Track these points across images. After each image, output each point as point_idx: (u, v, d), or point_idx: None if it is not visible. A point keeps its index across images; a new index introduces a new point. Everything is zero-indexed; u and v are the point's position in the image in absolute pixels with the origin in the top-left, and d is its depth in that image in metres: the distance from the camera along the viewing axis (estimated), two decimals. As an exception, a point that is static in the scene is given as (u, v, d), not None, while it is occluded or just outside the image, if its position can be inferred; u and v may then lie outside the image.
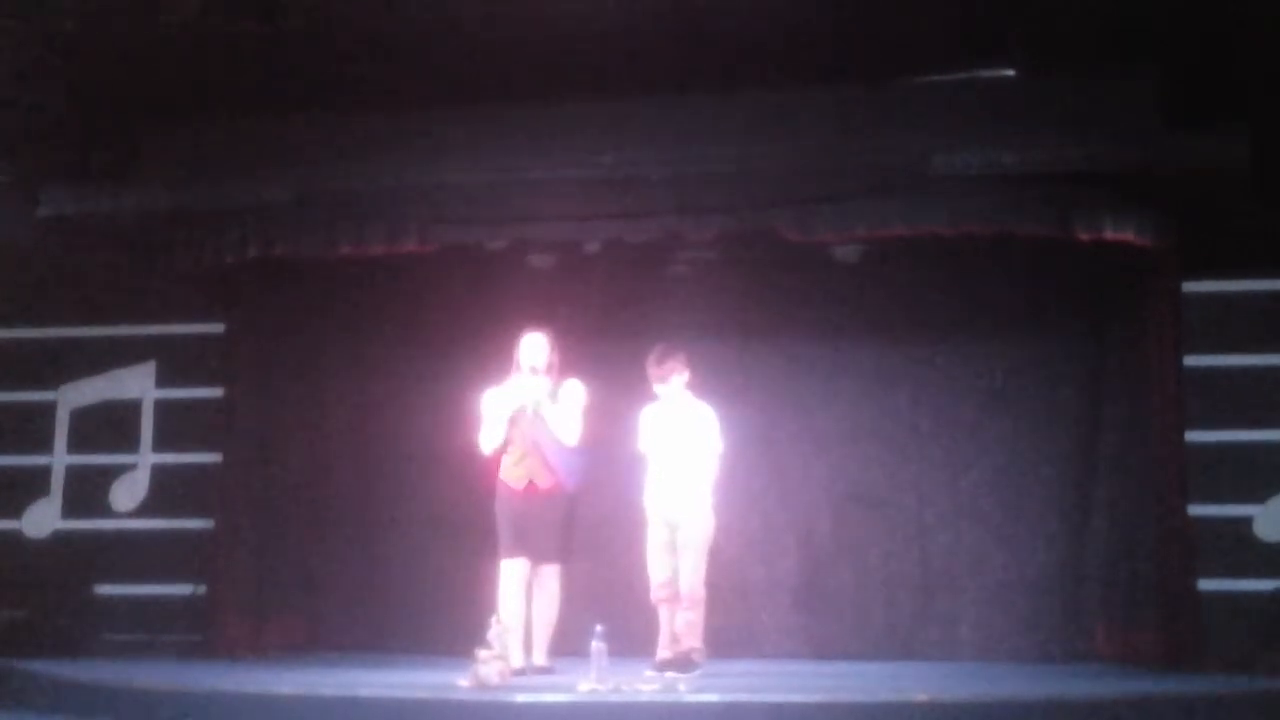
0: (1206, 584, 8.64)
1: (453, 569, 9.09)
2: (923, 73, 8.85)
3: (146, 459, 10.28)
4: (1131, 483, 8.78)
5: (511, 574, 7.71)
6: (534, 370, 7.82)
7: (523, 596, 7.72)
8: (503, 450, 7.82)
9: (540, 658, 7.75)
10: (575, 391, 7.87)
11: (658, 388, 7.96)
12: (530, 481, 7.78)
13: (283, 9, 8.04)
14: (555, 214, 8.71)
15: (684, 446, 7.85)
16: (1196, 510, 8.68)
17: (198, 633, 9.46)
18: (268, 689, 6.85)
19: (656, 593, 7.82)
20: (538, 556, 7.75)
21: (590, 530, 8.84)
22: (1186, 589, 8.48)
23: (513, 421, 7.79)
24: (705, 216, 8.64)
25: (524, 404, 7.76)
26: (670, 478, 7.83)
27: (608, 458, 8.47)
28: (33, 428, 10.37)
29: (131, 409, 10.36)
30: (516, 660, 7.44)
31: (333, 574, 9.87)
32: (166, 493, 10.16)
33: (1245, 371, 9.19)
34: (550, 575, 7.79)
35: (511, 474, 7.80)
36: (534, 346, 7.86)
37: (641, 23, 8.25)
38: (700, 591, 7.72)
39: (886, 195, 8.44)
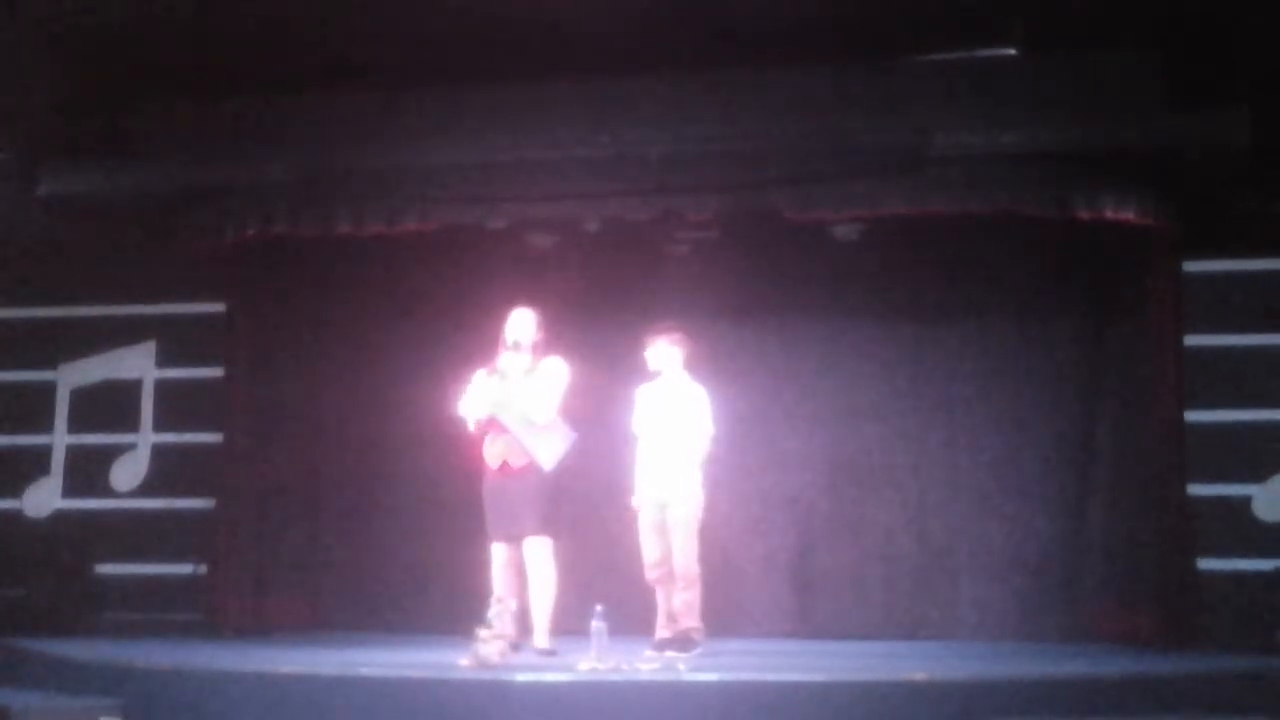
0: (1205, 563, 8.67)
1: (453, 549, 9.08)
2: (924, 51, 8.84)
3: (147, 438, 10.28)
4: (1131, 462, 8.78)
5: (495, 556, 7.74)
6: (517, 345, 7.77)
7: (509, 577, 7.70)
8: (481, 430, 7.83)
9: (542, 640, 7.65)
10: (555, 369, 7.80)
11: (653, 365, 7.96)
12: (504, 461, 7.74)
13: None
14: (554, 193, 8.71)
15: (675, 426, 7.84)
16: (1196, 490, 8.71)
17: (198, 612, 9.48)
18: (268, 668, 6.85)
19: (649, 573, 7.85)
20: (515, 535, 7.70)
21: (589, 509, 8.87)
22: (1185, 569, 8.50)
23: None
24: (704, 195, 8.63)
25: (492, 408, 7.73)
26: (660, 457, 7.83)
27: (608, 437, 8.50)
28: (33, 407, 10.36)
29: (132, 388, 10.35)
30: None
31: (333, 553, 9.88)
32: (167, 472, 10.16)
33: (1245, 351, 9.18)
34: (537, 552, 7.65)
35: (487, 454, 7.79)
36: (519, 322, 7.82)
37: (642, 1, 8.24)
38: (694, 570, 7.73)
39: (887, 174, 8.43)
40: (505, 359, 7.80)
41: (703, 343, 8.14)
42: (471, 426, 7.79)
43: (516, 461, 7.73)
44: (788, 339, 9.72)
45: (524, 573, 7.72)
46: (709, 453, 7.88)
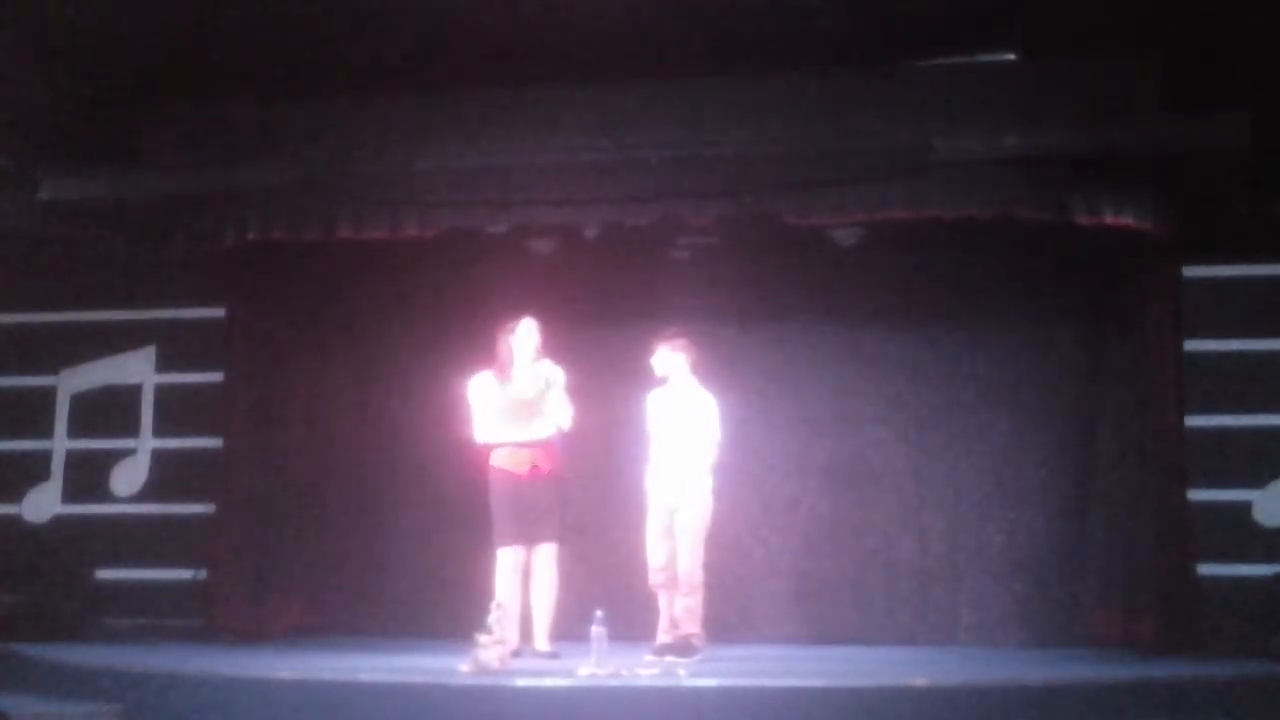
0: (1205, 569, 8.65)
1: (453, 553, 9.10)
2: (924, 56, 8.85)
3: (147, 444, 10.28)
4: (1131, 467, 8.78)
5: (509, 561, 7.76)
6: (537, 353, 7.88)
7: (518, 583, 7.76)
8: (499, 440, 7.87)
9: (543, 643, 7.76)
10: (558, 375, 7.88)
11: (660, 372, 7.96)
12: (534, 466, 7.82)
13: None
14: (555, 198, 8.70)
15: (684, 432, 7.85)
16: (1196, 495, 8.69)
17: (198, 617, 9.47)
18: (268, 673, 6.86)
19: (653, 577, 7.84)
20: (535, 539, 7.80)
21: (592, 515, 8.87)
22: (1185, 574, 8.49)
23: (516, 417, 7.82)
24: (705, 201, 8.63)
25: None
26: (669, 462, 7.83)
27: (607, 442, 8.52)
28: (33, 412, 10.36)
29: (132, 394, 10.35)
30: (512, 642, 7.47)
31: (333, 558, 9.86)
32: (167, 477, 10.15)
33: (1245, 356, 9.18)
34: (548, 557, 7.81)
35: (512, 460, 7.82)
36: (533, 330, 7.91)
37: (642, 6, 8.24)
38: (698, 576, 7.73)
39: (887, 179, 8.43)
40: (520, 368, 7.85)
41: (704, 348, 8.13)
42: (486, 440, 7.86)
43: (544, 465, 7.84)
44: (788, 343, 9.71)
45: (528, 577, 7.77)
46: (715, 459, 7.88)
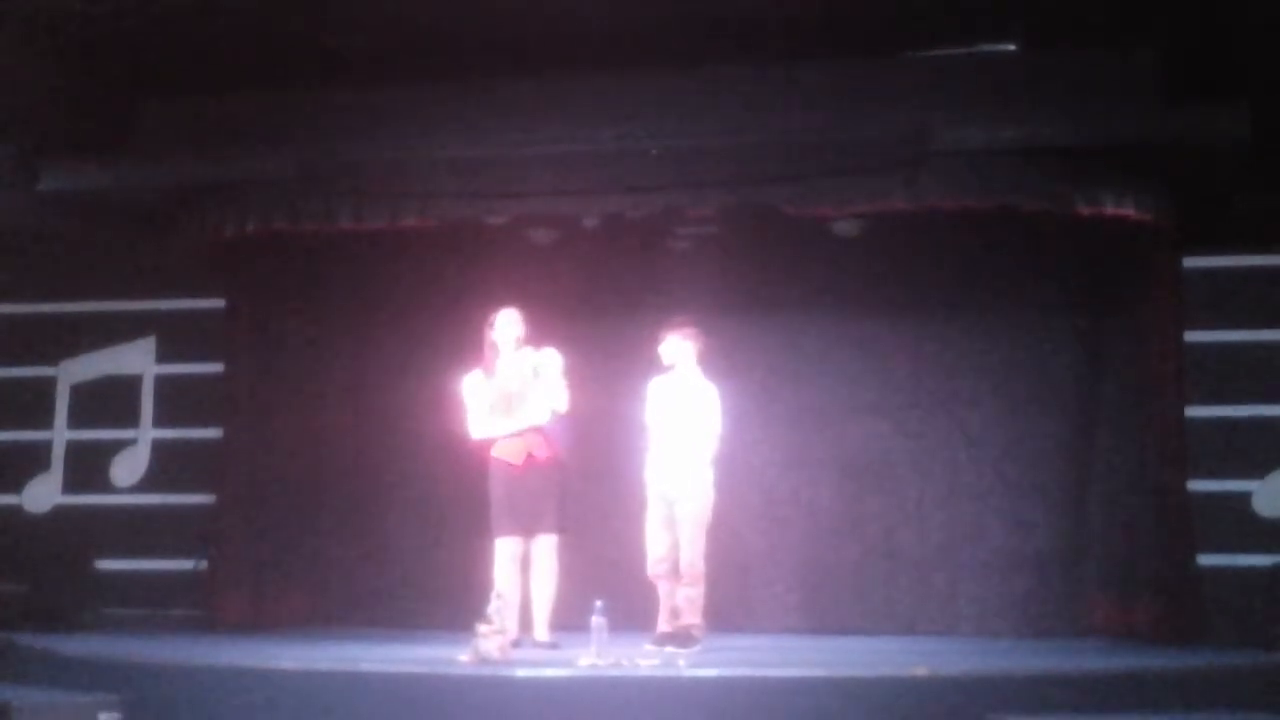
0: (1205, 559, 8.66)
1: (453, 544, 9.11)
2: (924, 47, 8.84)
3: (147, 434, 10.29)
4: (1131, 458, 8.78)
5: (506, 551, 7.77)
6: (519, 342, 7.86)
7: (517, 573, 7.76)
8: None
9: (542, 633, 7.77)
10: (554, 359, 7.88)
11: (668, 360, 7.96)
12: (529, 454, 7.82)
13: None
14: (555, 189, 8.69)
15: (686, 422, 7.84)
16: (1196, 485, 8.70)
17: (198, 608, 9.48)
18: (268, 663, 6.85)
19: (653, 568, 7.84)
20: (532, 529, 7.79)
21: (591, 505, 8.86)
22: (1185, 564, 8.50)
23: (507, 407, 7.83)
24: (705, 191, 8.62)
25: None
26: (670, 453, 7.83)
27: (606, 432, 8.52)
28: (33, 403, 10.37)
29: (132, 384, 10.36)
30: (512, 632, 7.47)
31: (333, 549, 9.87)
32: (167, 468, 10.17)
33: (1245, 347, 9.18)
34: (547, 548, 7.81)
35: (508, 450, 7.83)
36: (514, 321, 7.90)
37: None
38: (699, 567, 7.73)
39: (887, 170, 8.42)
40: (504, 360, 7.85)
41: (703, 339, 8.13)
42: (483, 436, 7.86)
43: (541, 453, 7.84)
44: (788, 335, 9.71)
45: (528, 567, 7.78)
46: (716, 450, 7.88)
